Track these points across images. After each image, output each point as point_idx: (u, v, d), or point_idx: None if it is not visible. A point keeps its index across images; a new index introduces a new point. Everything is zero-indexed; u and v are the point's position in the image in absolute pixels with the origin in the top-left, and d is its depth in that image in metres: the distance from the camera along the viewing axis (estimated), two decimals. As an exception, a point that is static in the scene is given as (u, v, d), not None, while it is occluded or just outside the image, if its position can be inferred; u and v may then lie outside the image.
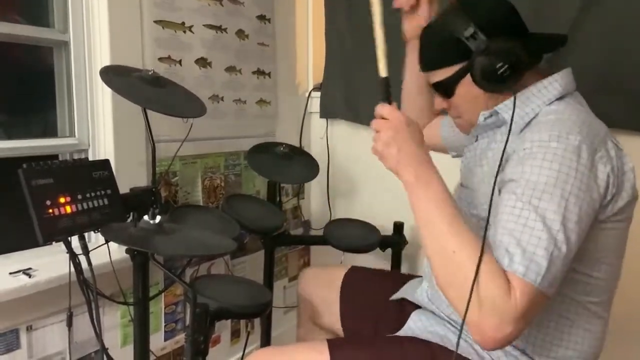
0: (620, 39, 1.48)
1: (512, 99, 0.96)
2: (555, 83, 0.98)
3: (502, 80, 0.94)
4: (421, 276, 1.27)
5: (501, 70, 0.93)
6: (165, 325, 1.71)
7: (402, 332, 1.13)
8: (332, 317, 1.34)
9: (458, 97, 1.03)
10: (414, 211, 0.92)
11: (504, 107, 1.00)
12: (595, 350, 0.99)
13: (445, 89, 1.04)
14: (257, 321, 1.87)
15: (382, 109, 1.02)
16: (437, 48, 1.03)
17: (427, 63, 1.07)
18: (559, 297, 0.93)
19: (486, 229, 0.87)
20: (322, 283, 1.40)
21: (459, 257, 0.84)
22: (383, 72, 1.09)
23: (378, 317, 1.25)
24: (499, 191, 0.92)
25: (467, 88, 1.00)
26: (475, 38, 0.95)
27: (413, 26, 1.22)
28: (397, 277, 1.36)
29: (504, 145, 0.93)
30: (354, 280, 1.36)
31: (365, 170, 2.19)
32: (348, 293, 1.33)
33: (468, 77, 0.98)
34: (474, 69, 0.96)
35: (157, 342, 1.68)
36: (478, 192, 1.03)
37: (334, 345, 1.04)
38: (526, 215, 0.83)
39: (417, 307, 1.17)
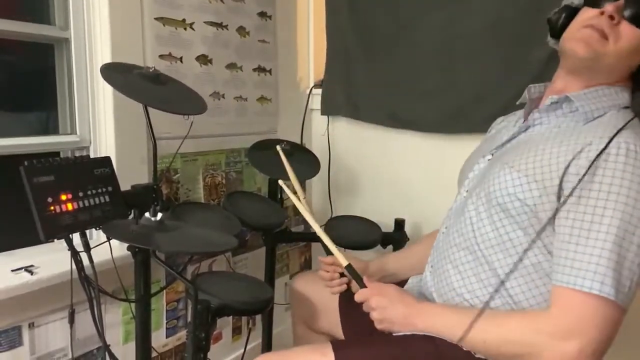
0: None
1: (590, 90, 0.98)
2: (625, 94, 0.99)
3: None
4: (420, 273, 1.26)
5: None
6: (166, 322, 1.71)
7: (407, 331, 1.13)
8: (330, 320, 1.32)
9: (633, 32, 0.94)
10: (460, 340, 0.94)
11: (581, 96, 0.98)
12: None
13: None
14: (258, 318, 1.87)
15: (363, 293, 1.09)
16: None
17: None
18: None
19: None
20: (318, 287, 1.36)
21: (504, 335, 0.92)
22: (344, 262, 1.15)
23: None
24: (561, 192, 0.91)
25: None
26: None
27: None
28: None
29: (567, 129, 0.96)
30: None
31: (367, 167, 2.19)
32: (347, 294, 1.31)
33: None
34: None
35: (159, 339, 1.68)
36: (532, 178, 0.96)
37: (338, 346, 1.03)
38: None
39: None
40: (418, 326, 1.00)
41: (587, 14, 0.98)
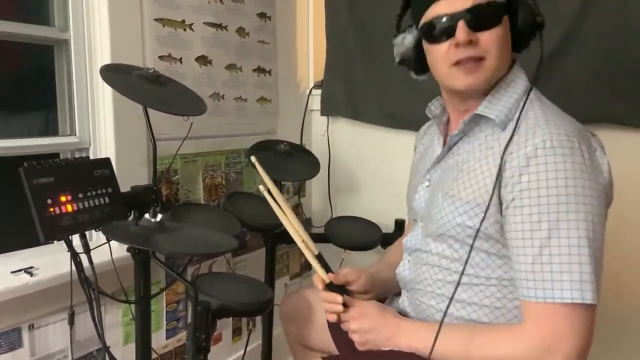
0: (620, 35, 1.48)
1: (493, 97, 0.96)
2: (520, 74, 0.99)
3: (534, 35, 0.95)
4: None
5: (540, 21, 0.93)
6: (166, 324, 1.71)
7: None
8: (322, 337, 1.28)
9: (495, 32, 0.93)
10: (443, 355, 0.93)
11: (484, 109, 0.97)
12: None
13: (489, 15, 0.92)
14: (258, 319, 1.87)
15: (345, 316, 1.05)
16: None
17: None
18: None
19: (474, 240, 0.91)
20: (306, 306, 1.33)
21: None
22: (315, 250, 1.12)
23: None
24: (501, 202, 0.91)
25: (504, 28, 0.94)
26: None
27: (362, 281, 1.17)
28: None
29: (494, 142, 0.94)
30: None
31: (367, 168, 2.19)
32: None
33: (506, 20, 0.94)
34: (521, 11, 0.94)
35: (159, 340, 1.68)
36: (472, 201, 0.96)
37: None
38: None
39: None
40: (402, 346, 0.98)
41: (442, 49, 0.95)
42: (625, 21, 1.46)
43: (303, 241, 1.11)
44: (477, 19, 0.91)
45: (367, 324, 1.01)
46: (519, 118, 0.92)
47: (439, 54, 0.97)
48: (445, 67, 0.96)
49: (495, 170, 0.90)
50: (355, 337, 1.02)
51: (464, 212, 0.95)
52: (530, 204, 0.85)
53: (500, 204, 0.90)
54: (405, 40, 1.05)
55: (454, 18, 0.92)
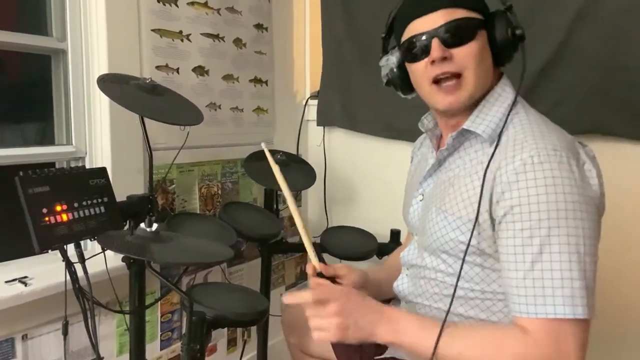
0: (613, 46, 1.49)
1: (480, 111, 0.97)
2: (507, 87, 0.99)
3: (515, 48, 0.95)
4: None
5: (519, 34, 0.93)
6: (161, 334, 1.70)
7: (387, 354, 1.12)
8: (322, 347, 1.27)
9: (469, 47, 0.94)
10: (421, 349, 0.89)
11: (471, 124, 0.97)
12: None
13: (462, 31, 0.93)
14: (253, 329, 1.86)
15: (334, 291, 0.96)
16: None
17: None
18: None
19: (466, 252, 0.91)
20: (305, 318, 1.32)
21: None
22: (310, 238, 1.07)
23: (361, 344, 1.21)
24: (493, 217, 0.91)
25: (481, 42, 0.95)
26: None
27: (354, 278, 1.14)
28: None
29: (483, 157, 0.94)
30: None
31: (362, 178, 2.19)
32: None
33: (484, 35, 0.95)
34: (497, 26, 0.94)
35: (153, 351, 1.67)
36: (465, 216, 0.96)
37: None
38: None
39: None
40: (383, 334, 0.91)
41: (420, 67, 0.97)
42: (619, 32, 1.48)
43: (304, 226, 1.08)
44: (451, 35, 0.93)
45: (351, 305, 0.91)
46: (501, 132, 0.93)
47: (419, 72, 0.99)
48: (426, 85, 0.98)
49: (487, 186, 0.90)
50: (335, 321, 0.90)
51: (457, 227, 0.95)
52: (521, 220, 0.85)
53: (492, 219, 0.90)
54: (390, 62, 1.07)
55: (428, 36, 0.94)
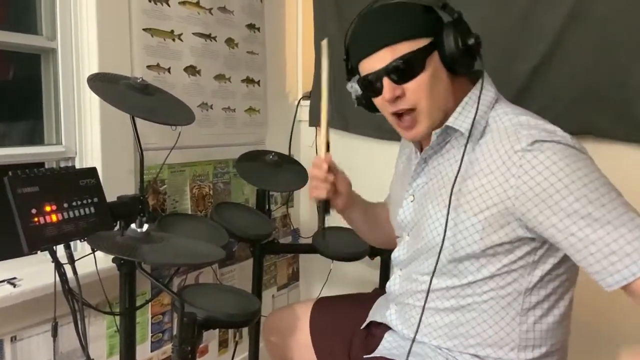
0: (605, 48, 1.50)
1: (458, 111, 0.97)
2: (488, 86, 0.99)
3: (473, 57, 0.94)
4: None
5: (472, 43, 0.93)
6: (152, 336, 1.69)
7: (377, 353, 1.11)
8: (305, 356, 1.28)
9: (419, 80, 0.94)
10: None
11: (454, 120, 0.98)
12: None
13: (409, 66, 0.93)
14: (245, 331, 1.85)
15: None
16: (403, 18, 0.95)
17: (388, 35, 0.94)
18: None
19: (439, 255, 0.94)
20: (289, 326, 1.32)
21: None
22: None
23: (350, 344, 1.21)
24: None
25: (432, 69, 0.94)
26: (446, 8, 0.94)
27: (342, 201, 1.24)
28: (365, 298, 1.31)
29: (472, 155, 0.95)
30: (322, 315, 1.30)
31: (355, 179, 2.17)
32: (318, 328, 1.27)
33: (435, 56, 0.94)
34: (446, 43, 0.93)
35: (144, 352, 1.66)
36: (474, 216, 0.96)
37: None
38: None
39: (388, 327, 1.14)
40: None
41: (379, 102, 1.00)
42: (609, 34, 1.49)
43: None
44: (399, 73, 0.93)
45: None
46: (485, 128, 0.95)
47: (379, 105, 1.02)
48: (389, 116, 1.01)
49: (503, 181, 0.90)
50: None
51: (466, 227, 0.95)
52: (556, 200, 0.85)
53: (511, 214, 0.90)
54: (354, 89, 1.07)
55: (378, 75, 0.95)
